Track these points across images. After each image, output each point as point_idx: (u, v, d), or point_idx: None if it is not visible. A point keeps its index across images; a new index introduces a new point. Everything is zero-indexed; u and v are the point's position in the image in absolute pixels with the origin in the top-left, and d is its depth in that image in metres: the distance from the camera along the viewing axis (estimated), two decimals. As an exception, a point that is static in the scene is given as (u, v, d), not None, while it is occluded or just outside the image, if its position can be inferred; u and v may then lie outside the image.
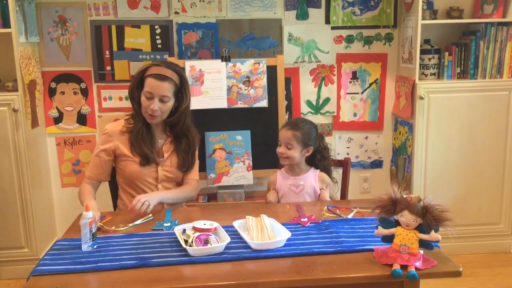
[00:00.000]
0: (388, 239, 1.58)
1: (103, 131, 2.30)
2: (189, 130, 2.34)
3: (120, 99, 3.22)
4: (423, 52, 3.05)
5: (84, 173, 2.35)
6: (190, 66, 2.97)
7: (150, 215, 2.03)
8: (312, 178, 2.31)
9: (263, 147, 3.04)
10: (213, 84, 3.00)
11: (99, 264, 1.58)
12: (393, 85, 3.36)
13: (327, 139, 3.38)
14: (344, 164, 2.54)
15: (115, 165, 2.32)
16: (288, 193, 2.31)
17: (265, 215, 1.88)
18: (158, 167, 2.27)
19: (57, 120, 3.24)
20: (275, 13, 3.21)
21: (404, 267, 1.50)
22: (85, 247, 1.70)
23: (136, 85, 2.24)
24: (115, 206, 2.45)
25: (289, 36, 3.24)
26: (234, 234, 1.76)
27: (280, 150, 2.30)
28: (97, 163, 2.27)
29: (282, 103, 3.07)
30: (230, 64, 3.01)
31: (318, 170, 2.35)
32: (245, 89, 3.02)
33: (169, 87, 2.20)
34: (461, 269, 1.54)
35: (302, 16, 3.23)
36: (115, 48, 3.17)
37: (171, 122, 2.29)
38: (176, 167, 2.31)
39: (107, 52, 3.17)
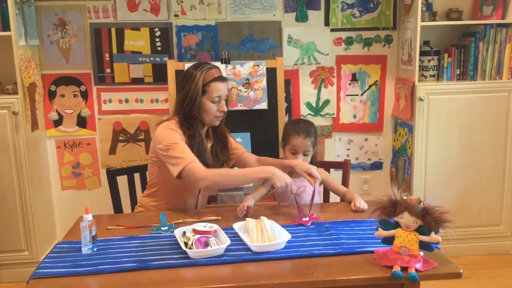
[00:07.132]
0: (388, 240, 1.58)
1: (169, 129, 2.11)
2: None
3: (120, 101, 3.22)
4: (422, 53, 3.05)
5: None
6: (190, 68, 2.97)
7: None
8: None
9: (263, 149, 3.03)
10: (213, 86, 3.00)
11: (99, 267, 1.58)
12: (393, 87, 3.36)
13: (327, 141, 3.41)
14: (344, 166, 2.54)
15: (161, 170, 2.18)
16: (287, 194, 2.29)
17: (265, 217, 1.88)
18: None
19: (57, 123, 3.24)
20: (274, 15, 3.22)
21: (404, 269, 1.50)
22: (85, 250, 1.70)
23: (201, 94, 2.12)
24: (115, 207, 2.43)
25: (289, 38, 3.24)
26: (234, 236, 1.76)
27: (299, 159, 2.23)
28: (186, 146, 2.07)
29: (282, 105, 3.07)
30: (229, 66, 3.01)
31: (315, 167, 2.33)
32: (244, 91, 3.02)
33: (227, 85, 2.22)
34: (461, 271, 1.54)
35: (302, 18, 3.24)
36: (114, 50, 3.17)
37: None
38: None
39: (107, 55, 3.17)
